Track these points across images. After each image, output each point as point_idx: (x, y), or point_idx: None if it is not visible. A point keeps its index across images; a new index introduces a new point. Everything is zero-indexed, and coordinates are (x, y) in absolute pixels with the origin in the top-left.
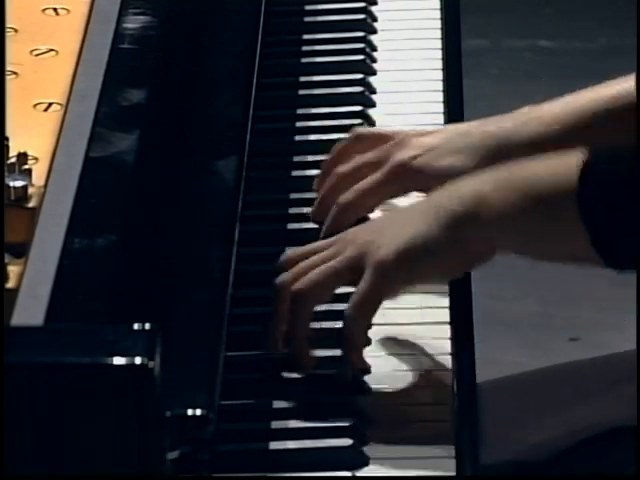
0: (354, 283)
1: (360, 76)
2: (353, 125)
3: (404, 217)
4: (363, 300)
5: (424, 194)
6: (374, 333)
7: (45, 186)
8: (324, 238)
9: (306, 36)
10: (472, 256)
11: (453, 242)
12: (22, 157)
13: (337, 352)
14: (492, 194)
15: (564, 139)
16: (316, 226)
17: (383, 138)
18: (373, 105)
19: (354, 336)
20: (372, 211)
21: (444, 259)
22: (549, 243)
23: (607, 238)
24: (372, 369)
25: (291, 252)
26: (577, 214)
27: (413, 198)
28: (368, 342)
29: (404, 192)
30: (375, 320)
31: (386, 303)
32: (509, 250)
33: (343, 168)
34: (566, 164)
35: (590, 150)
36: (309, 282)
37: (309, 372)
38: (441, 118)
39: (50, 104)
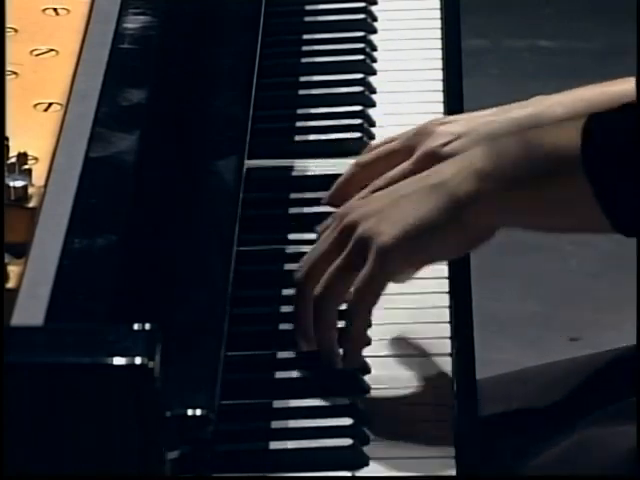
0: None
1: (360, 76)
2: (353, 125)
3: (404, 197)
4: (366, 286)
5: None
6: (374, 333)
7: (45, 186)
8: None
9: (306, 36)
10: (474, 235)
11: (454, 223)
12: (22, 157)
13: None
14: (493, 166)
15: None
16: (317, 226)
17: (387, 156)
18: (373, 105)
19: (357, 321)
20: None
21: (445, 240)
22: (554, 207)
23: (611, 193)
24: (372, 369)
25: (305, 260)
26: (581, 171)
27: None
28: (368, 342)
29: None
30: (375, 320)
31: (386, 303)
32: (513, 223)
33: (363, 158)
34: (569, 124)
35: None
36: (322, 288)
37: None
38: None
39: (50, 104)
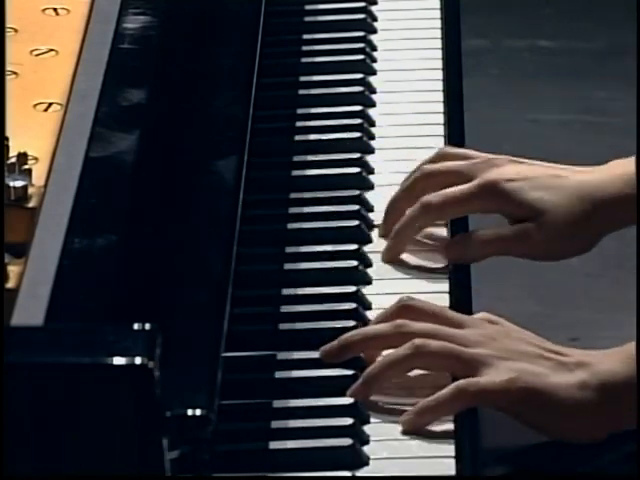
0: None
1: (360, 76)
2: (353, 125)
3: (526, 360)
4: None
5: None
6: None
7: (45, 186)
8: (389, 233)
9: (306, 36)
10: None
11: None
12: (22, 157)
13: None
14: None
15: None
16: (316, 226)
17: (469, 157)
18: (373, 105)
19: (448, 408)
20: (448, 219)
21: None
22: None
23: None
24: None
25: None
26: None
27: None
28: None
29: (487, 211)
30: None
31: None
32: None
33: (431, 166)
34: None
35: None
36: (437, 348)
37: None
38: (441, 118)
39: (50, 104)
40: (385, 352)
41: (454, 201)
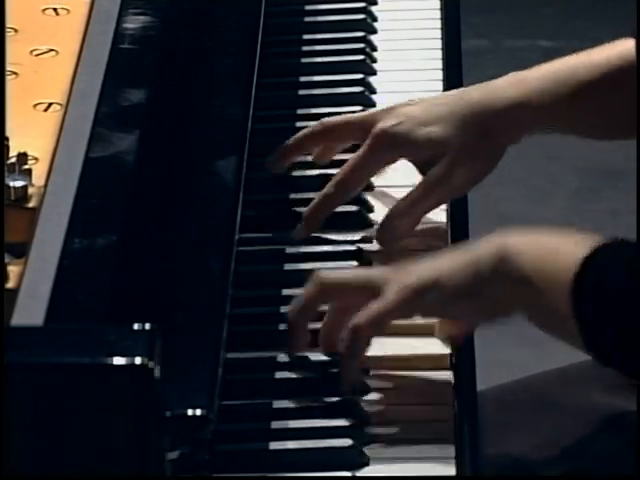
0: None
1: (360, 76)
2: None
3: (442, 255)
4: (376, 316)
5: (413, 164)
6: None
7: (45, 186)
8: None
9: (306, 36)
10: (486, 311)
11: (470, 289)
12: (22, 157)
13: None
14: (514, 260)
15: (547, 102)
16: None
17: (350, 125)
18: (373, 105)
19: (356, 348)
20: (365, 183)
21: (458, 303)
22: (551, 324)
23: (595, 335)
24: (372, 369)
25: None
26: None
27: None
28: (368, 342)
29: (392, 160)
30: None
31: None
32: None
33: (329, 121)
34: (569, 254)
35: (593, 244)
36: (366, 321)
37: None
38: None
39: (50, 104)
40: None
41: (358, 168)
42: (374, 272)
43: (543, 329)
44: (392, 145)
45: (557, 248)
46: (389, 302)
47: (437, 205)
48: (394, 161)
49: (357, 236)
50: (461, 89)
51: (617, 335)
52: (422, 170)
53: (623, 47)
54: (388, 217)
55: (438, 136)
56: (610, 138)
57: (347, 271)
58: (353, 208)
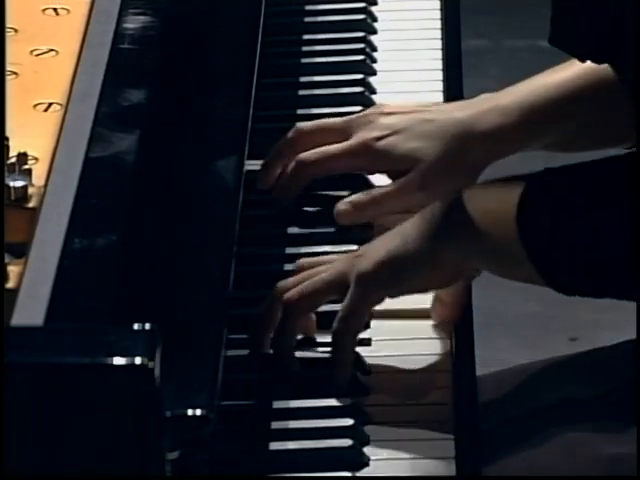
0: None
1: (360, 76)
2: None
3: (390, 232)
4: (347, 312)
5: (388, 176)
6: (374, 333)
7: (45, 186)
8: (264, 186)
9: (306, 36)
10: (448, 271)
11: (426, 256)
12: (22, 157)
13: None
14: (455, 221)
15: (522, 127)
16: (317, 228)
17: (326, 130)
18: (373, 105)
19: (341, 348)
20: (322, 174)
21: (420, 272)
22: (506, 266)
23: (546, 261)
24: (372, 370)
25: (302, 260)
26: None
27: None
28: (368, 342)
29: (367, 170)
30: (375, 320)
31: (386, 301)
32: (480, 266)
33: (305, 126)
34: (505, 193)
35: (529, 178)
36: (297, 293)
37: (295, 374)
38: None
39: (50, 104)
40: None
41: (330, 158)
42: (330, 271)
43: (499, 272)
44: (372, 158)
45: (496, 192)
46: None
47: (403, 209)
48: (367, 170)
49: (357, 236)
50: (441, 104)
51: (563, 251)
52: (393, 177)
53: (573, 69)
54: (351, 201)
55: (423, 154)
56: (590, 149)
57: (308, 284)
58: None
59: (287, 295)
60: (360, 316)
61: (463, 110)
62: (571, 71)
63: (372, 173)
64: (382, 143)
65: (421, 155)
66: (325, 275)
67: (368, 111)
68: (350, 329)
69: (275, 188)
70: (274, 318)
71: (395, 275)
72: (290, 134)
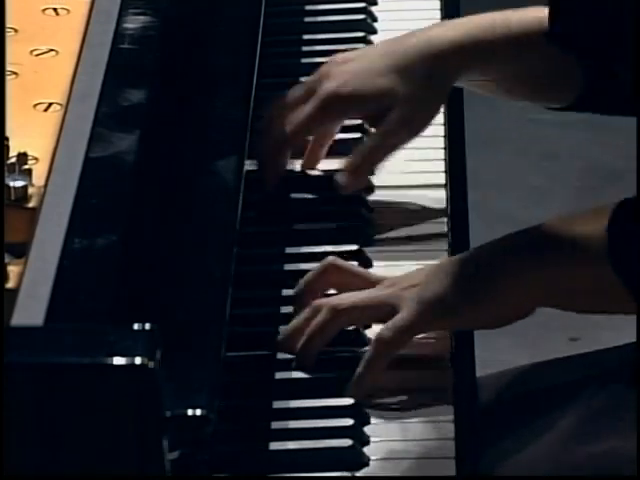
0: (379, 320)
1: None
2: (353, 125)
3: (433, 274)
4: (404, 327)
5: (362, 119)
6: (374, 333)
7: (45, 186)
8: (259, 171)
9: (306, 36)
10: (497, 316)
11: (468, 306)
12: (22, 157)
13: (338, 354)
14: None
15: (472, 40)
16: (317, 227)
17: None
18: None
19: (377, 356)
20: (302, 140)
21: (463, 319)
22: (583, 295)
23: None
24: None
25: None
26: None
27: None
28: (368, 342)
29: (341, 120)
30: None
31: None
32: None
33: (274, 111)
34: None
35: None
36: (350, 303)
37: (309, 373)
38: (441, 118)
39: (50, 104)
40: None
41: (301, 125)
42: (383, 292)
43: (563, 305)
44: (341, 106)
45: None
46: (411, 317)
47: (393, 150)
48: (344, 121)
49: (357, 236)
50: (393, 38)
51: None
52: (372, 124)
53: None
54: (346, 167)
55: (385, 87)
56: (528, 100)
57: (358, 294)
58: (353, 208)
59: (337, 301)
60: (412, 335)
61: (414, 37)
62: (532, 15)
63: (346, 119)
64: (343, 90)
65: (385, 89)
66: (381, 295)
67: (324, 66)
68: (397, 343)
69: (260, 168)
70: (311, 318)
71: (441, 321)
72: (264, 127)
